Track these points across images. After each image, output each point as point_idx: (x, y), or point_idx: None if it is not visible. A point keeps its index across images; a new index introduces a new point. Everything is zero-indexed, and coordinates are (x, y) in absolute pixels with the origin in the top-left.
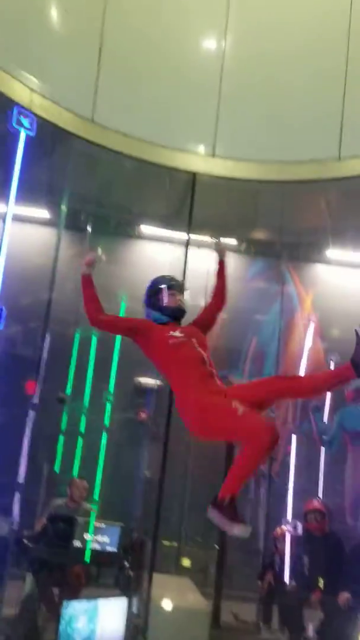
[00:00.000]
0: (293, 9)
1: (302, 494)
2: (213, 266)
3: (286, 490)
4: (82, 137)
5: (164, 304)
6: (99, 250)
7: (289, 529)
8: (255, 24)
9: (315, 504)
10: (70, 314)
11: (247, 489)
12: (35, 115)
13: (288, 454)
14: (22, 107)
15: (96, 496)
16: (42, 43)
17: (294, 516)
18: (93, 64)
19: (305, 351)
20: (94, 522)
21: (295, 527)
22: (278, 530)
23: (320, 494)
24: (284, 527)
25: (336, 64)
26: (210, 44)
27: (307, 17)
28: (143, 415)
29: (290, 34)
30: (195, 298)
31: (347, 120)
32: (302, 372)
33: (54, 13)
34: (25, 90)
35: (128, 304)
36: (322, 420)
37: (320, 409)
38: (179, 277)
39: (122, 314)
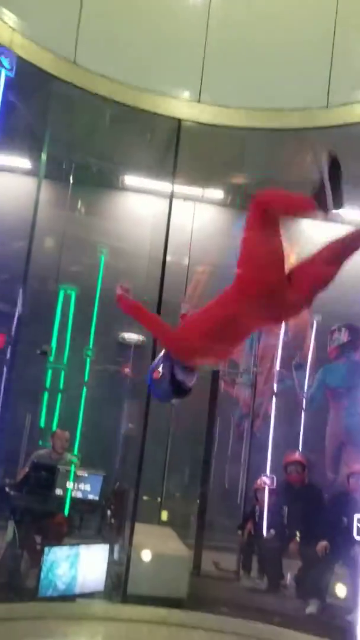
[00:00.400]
0: None
1: (283, 448)
2: (197, 221)
3: (267, 444)
4: (63, 80)
5: None
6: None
7: (266, 482)
8: None
9: (296, 456)
10: (51, 270)
11: (231, 444)
12: (16, 55)
13: (270, 408)
14: (3, 46)
15: (75, 450)
16: None
17: (274, 469)
18: (76, 3)
19: None
20: (75, 471)
21: (272, 481)
22: (258, 482)
23: (300, 448)
24: (263, 479)
25: (326, 11)
26: None
27: None
28: (127, 370)
29: None
30: (178, 255)
31: (336, 68)
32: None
33: None
34: (6, 29)
35: (108, 258)
36: (304, 376)
37: (302, 366)
38: (162, 232)
39: (101, 269)
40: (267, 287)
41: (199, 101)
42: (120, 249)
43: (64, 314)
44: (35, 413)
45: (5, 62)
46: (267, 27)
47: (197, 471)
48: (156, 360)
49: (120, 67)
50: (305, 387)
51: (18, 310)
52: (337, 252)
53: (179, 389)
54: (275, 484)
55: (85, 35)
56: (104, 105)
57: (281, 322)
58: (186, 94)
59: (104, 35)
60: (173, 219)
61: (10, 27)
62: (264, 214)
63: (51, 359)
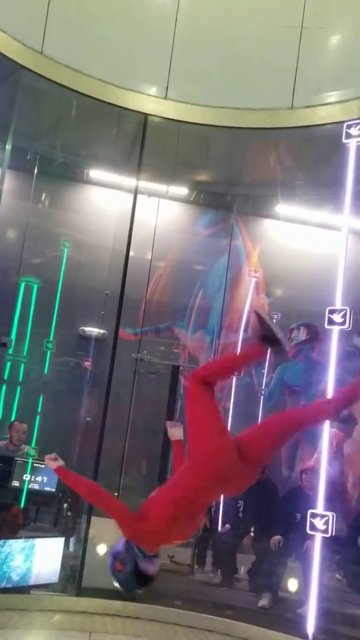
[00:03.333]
0: None
1: None
2: (161, 217)
3: None
4: (30, 70)
5: None
6: None
7: None
8: None
9: None
10: (14, 261)
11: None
12: None
13: (228, 406)
14: None
15: (33, 442)
16: None
17: None
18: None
19: (248, 306)
20: (32, 462)
21: None
22: None
23: None
24: None
25: (292, 13)
26: None
27: None
28: (87, 364)
29: None
30: (141, 249)
31: (301, 70)
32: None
33: None
34: None
35: (71, 251)
36: (263, 373)
37: (260, 363)
38: (125, 227)
39: (64, 261)
40: (221, 465)
41: (165, 97)
42: (84, 242)
43: (25, 306)
44: None
45: None
46: (235, 26)
47: (155, 465)
48: (118, 546)
49: (88, 60)
50: (264, 384)
51: None
52: (284, 432)
53: (143, 578)
54: None
55: (54, 26)
56: (70, 97)
57: (241, 491)
58: (153, 90)
59: (73, 27)
60: (137, 214)
61: None
62: (201, 386)
63: (10, 351)
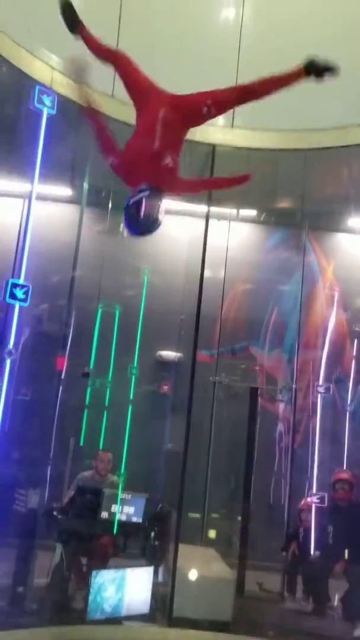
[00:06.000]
0: None
1: (326, 464)
2: (232, 238)
3: (309, 461)
4: (102, 113)
5: None
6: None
7: (314, 501)
8: None
9: (344, 474)
10: (93, 289)
11: (271, 461)
12: (57, 93)
13: (312, 425)
14: (44, 85)
15: (122, 469)
16: (60, 20)
17: (318, 486)
18: (112, 40)
19: (331, 322)
20: (120, 494)
21: (321, 499)
22: (303, 502)
23: (344, 465)
24: (309, 499)
25: (356, 32)
26: (228, 12)
27: None
28: (165, 388)
29: (309, 4)
30: (216, 270)
31: None
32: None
33: None
34: (47, 69)
35: (150, 277)
36: (347, 390)
37: (343, 380)
38: (197, 251)
39: (144, 288)
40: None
41: (232, 126)
42: (157, 268)
43: (104, 332)
44: (78, 433)
45: (47, 101)
46: (297, 49)
47: (239, 488)
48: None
49: None
50: (349, 400)
51: (66, 330)
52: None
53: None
54: (325, 501)
55: None
56: None
57: None
58: (219, 120)
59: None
60: (208, 238)
61: (50, 66)
62: None
63: (92, 380)
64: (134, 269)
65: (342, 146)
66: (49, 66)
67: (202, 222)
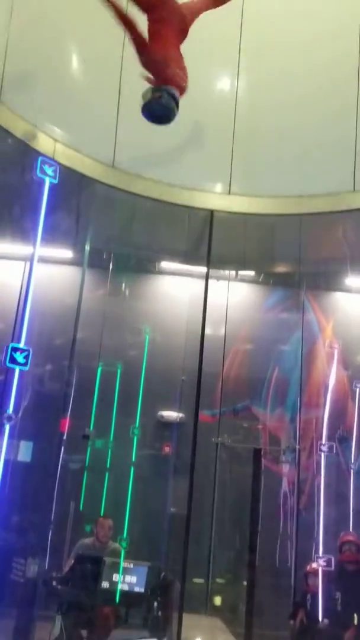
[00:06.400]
0: (303, 52)
1: (332, 526)
2: (231, 297)
3: (314, 523)
4: (103, 182)
5: None
6: None
7: (321, 563)
8: (268, 64)
9: (351, 536)
10: (95, 348)
11: (276, 523)
12: (59, 163)
13: (316, 485)
14: (46, 156)
15: (124, 534)
16: (64, 94)
17: (325, 550)
18: (112, 112)
19: (331, 379)
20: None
21: (328, 562)
22: (310, 566)
23: (350, 526)
24: (314, 564)
25: (347, 102)
26: (224, 84)
27: (318, 60)
28: (167, 450)
29: (302, 73)
30: (216, 329)
31: None
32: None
33: (74, 64)
34: (49, 141)
35: (151, 335)
36: (350, 449)
37: (347, 439)
38: (197, 311)
39: (146, 347)
40: None
41: (229, 192)
42: (158, 327)
43: (107, 392)
44: (77, 497)
45: (49, 171)
46: (291, 120)
47: (244, 552)
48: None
49: (155, 166)
50: (352, 459)
51: (68, 390)
52: None
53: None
54: (332, 564)
55: (122, 140)
56: (141, 202)
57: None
58: (217, 187)
59: (139, 138)
60: (209, 297)
61: (53, 138)
62: None
63: (93, 441)
64: (136, 327)
65: (336, 211)
66: (51, 138)
67: (202, 282)
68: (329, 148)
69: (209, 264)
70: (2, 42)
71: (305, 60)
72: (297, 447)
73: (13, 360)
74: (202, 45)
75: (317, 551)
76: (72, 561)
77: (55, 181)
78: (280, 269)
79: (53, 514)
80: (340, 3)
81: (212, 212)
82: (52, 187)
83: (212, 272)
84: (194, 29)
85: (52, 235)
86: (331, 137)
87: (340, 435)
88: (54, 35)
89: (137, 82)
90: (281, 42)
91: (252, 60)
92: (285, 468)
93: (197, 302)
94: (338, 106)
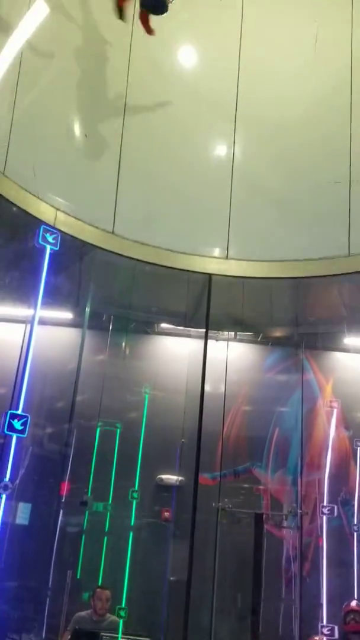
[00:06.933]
0: (296, 121)
1: (335, 593)
2: (230, 356)
3: (319, 590)
4: (104, 249)
5: None
6: None
7: (325, 632)
8: (264, 136)
9: (355, 605)
10: (94, 409)
11: (279, 590)
12: (60, 231)
13: (319, 550)
14: (48, 225)
15: (123, 603)
16: (66, 165)
17: (328, 618)
18: (112, 181)
19: (332, 439)
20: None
21: (331, 631)
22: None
23: (355, 593)
24: (317, 638)
25: (340, 171)
26: (220, 150)
27: (312, 133)
28: (166, 515)
29: (295, 143)
30: (216, 388)
31: (354, 219)
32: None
33: (76, 137)
34: (51, 210)
35: (151, 395)
36: (353, 512)
37: (349, 502)
38: (197, 371)
39: (145, 406)
40: None
41: (227, 257)
42: (162, 385)
43: (106, 453)
44: (74, 563)
45: (50, 239)
46: (286, 186)
47: (247, 620)
48: None
49: (154, 232)
50: (355, 521)
51: (67, 451)
52: None
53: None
54: (336, 634)
55: (122, 208)
56: (141, 266)
57: None
58: (215, 251)
59: (138, 206)
60: (208, 356)
61: (54, 207)
62: None
63: (92, 503)
64: (137, 387)
65: (331, 275)
66: (53, 207)
67: (201, 343)
68: (323, 214)
69: (207, 326)
70: (7, 118)
71: (300, 133)
72: (299, 511)
73: (11, 427)
74: (199, 115)
75: (320, 620)
76: (69, 636)
77: (56, 248)
78: (279, 329)
79: (50, 582)
80: (335, 78)
81: (210, 275)
82: (53, 253)
83: (211, 332)
84: (192, 100)
85: (53, 298)
86: (325, 204)
87: (343, 498)
88: (56, 110)
89: (135, 153)
90: (277, 115)
91: (249, 131)
92: (288, 533)
93: (197, 362)
94: (332, 175)
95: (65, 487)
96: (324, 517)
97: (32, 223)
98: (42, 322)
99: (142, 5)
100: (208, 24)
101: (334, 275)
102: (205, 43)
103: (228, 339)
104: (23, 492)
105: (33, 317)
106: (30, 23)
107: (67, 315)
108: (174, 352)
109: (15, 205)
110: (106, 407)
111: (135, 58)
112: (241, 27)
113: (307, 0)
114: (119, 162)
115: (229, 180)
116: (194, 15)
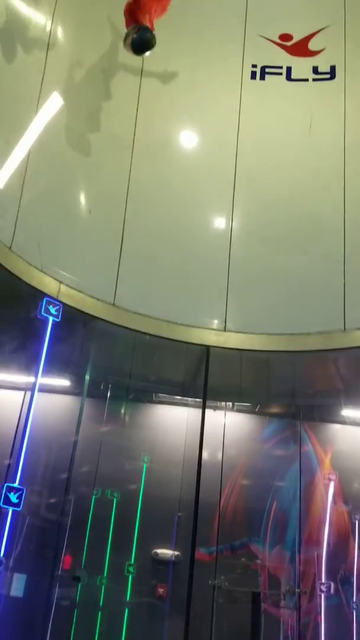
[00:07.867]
0: (292, 201)
1: None
2: (228, 425)
3: None
4: (104, 320)
5: None
6: None
7: None
8: (258, 211)
9: None
10: (91, 477)
11: None
12: (62, 303)
13: (318, 625)
14: (51, 297)
15: None
16: (70, 240)
17: None
18: (115, 255)
19: (329, 512)
20: None
21: None
22: None
23: None
24: None
25: (334, 246)
26: (218, 228)
27: (306, 210)
28: (161, 591)
29: (293, 221)
30: (214, 453)
31: (350, 294)
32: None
33: (79, 214)
34: (54, 283)
35: (149, 464)
36: (352, 590)
37: (348, 580)
38: (196, 437)
39: (143, 475)
40: None
41: (225, 329)
42: (160, 454)
43: (102, 524)
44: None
45: (53, 310)
46: (284, 261)
47: None
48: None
49: (153, 304)
50: (354, 598)
51: (62, 520)
52: None
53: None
54: None
55: (123, 281)
56: (140, 337)
57: None
58: (213, 324)
59: (139, 279)
60: (206, 424)
61: (58, 280)
62: None
63: (85, 578)
64: (134, 456)
65: (327, 349)
66: (56, 280)
67: (199, 412)
68: (319, 289)
69: (205, 396)
70: (17, 196)
71: (295, 212)
72: (297, 590)
73: (7, 501)
74: (198, 195)
75: None
76: None
77: (58, 319)
78: (276, 401)
79: None
80: (327, 159)
81: (208, 347)
82: (55, 324)
83: (209, 402)
84: (192, 183)
85: (52, 365)
86: (321, 279)
87: (342, 576)
88: (62, 189)
89: (137, 229)
90: (273, 196)
91: (246, 211)
92: (286, 613)
93: (194, 431)
94: (325, 250)
95: (68, 560)
96: (322, 595)
97: (35, 296)
98: (41, 389)
99: (131, 47)
100: (208, 110)
101: (331, 350)
102: (205, 128)
103: (226, 409)
104: (19, 563)
105: (33, 386)
106: (41, 118)
107: (65, 382)
108: (172, 421)
109: (19, 278)
110: (104, 475)
111: (139, 146)
112: (239, 115)
113: (302, 90)
114: (122, 238)
115: (227, 256)
116: (195, 100)
